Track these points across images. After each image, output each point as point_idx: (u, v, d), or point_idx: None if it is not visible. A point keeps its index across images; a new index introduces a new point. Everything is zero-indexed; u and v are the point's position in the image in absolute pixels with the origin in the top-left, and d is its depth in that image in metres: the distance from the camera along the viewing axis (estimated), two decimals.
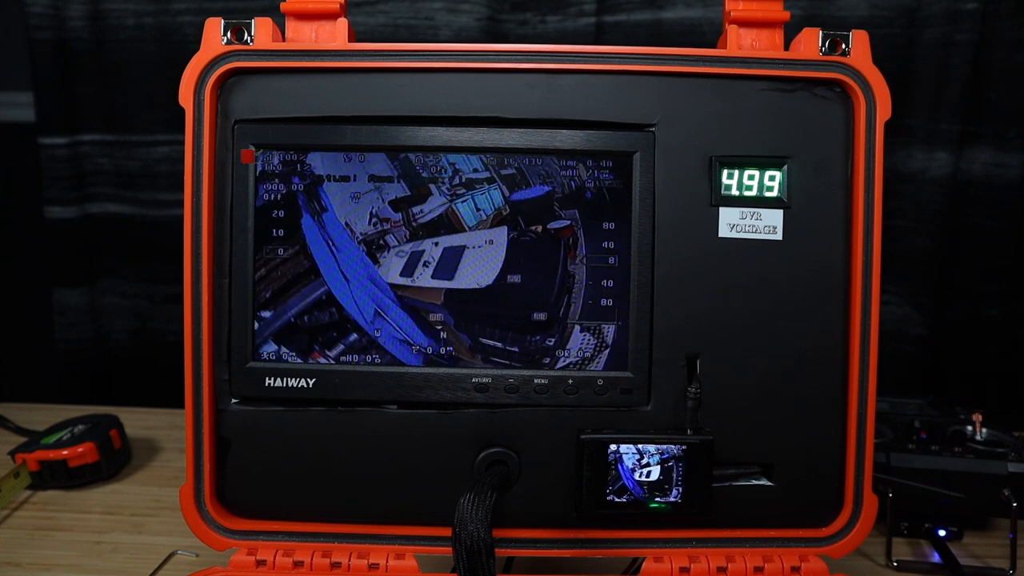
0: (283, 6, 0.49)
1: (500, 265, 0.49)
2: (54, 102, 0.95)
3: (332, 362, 0.49)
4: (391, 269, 0.49)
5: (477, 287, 0.49)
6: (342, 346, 0.49)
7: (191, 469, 0.49)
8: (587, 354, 0.49)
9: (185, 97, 0.48)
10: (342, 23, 0.49)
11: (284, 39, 0.50)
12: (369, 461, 0.50)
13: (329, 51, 0.49)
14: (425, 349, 0.49)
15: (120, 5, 0.92)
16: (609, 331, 0.49)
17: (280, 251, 0.49)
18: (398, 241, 0.49)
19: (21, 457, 0.70)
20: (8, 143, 1.33)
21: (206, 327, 0.49)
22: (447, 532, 0.45)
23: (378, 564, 0.49)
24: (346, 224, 0.49)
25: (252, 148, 0.49)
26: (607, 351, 0.49)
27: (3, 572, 0.58)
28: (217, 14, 0.49)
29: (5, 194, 1.34)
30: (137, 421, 0.82)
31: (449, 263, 0.49)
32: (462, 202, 0.49)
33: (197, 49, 0.48)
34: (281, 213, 0.49)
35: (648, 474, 0.48)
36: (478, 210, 0.49)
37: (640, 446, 0.48)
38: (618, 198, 0.49)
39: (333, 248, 0.49)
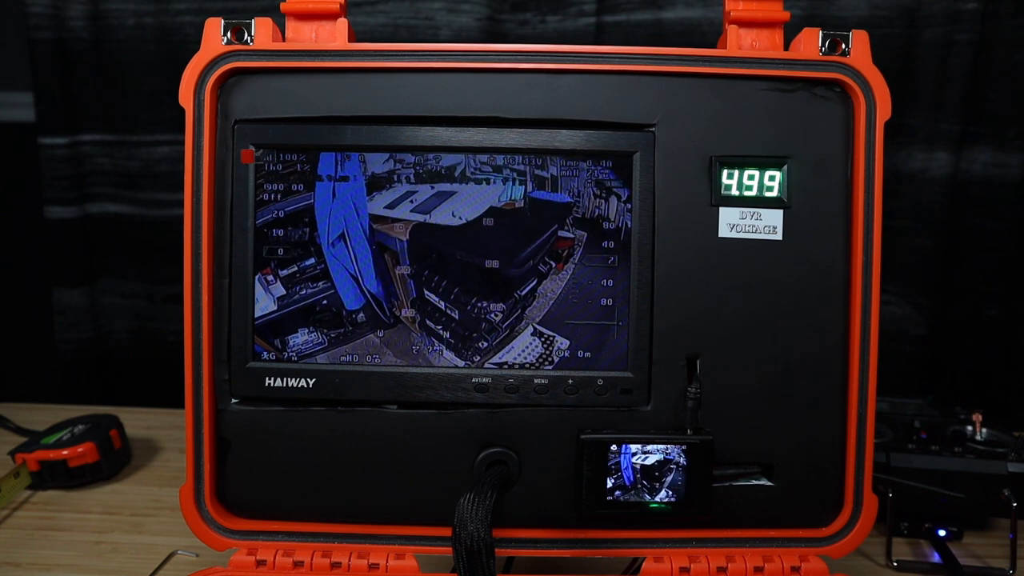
0: (283, 6, 0.49)
1: (482, 211, 0.49)
2: (54, 102, 0.95)
3: (278, 283, 0.49)
4: (379, 202, 0.49)
5: (446, 224, 0.49)
6: (295, 268, 0.49)
7: (191, 469, 0.49)
8: (528, 360, 0.49)
9: (185, 97, 0.48)
10: (342, 23, 0.49)
11: (284, 39, 0.50)
12: (369, 461, 0.50)
13: (329, 51, 0.49)
14: (369, 292, 0.49)
15: (120, 5, 0.92)
16: (560, 347, 0.49)
17: (289, 159, 0.49)
18: (400, 184, 0.49)
19: (21, 457, 0.70)
20: (8, 143, 1.33)
21: (206, 327, 0.49)
22: (447, 532, 0.45)
23: (378, 564, 0.49)
24: (363, 159, 0.49)
25: (252, 148, 0.49)
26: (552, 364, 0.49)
27: (3, 572, 0.58)
28: (217, 14, 0.49)
29: (5, 194, 1.34)
30: (137, 421, 0.82)
31: (433, 202, 0.49)
32: (482, 177, 0.49)
33: (197, 49, 0.48)
34: (281, 213, 0.49)
35: (646, 459, 0.48)
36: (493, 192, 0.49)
37: (641, 446, 0.48)
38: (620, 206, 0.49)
39: (339, 168, 0.49)
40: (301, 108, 0.49)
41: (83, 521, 0.66)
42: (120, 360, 1.03)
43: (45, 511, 0.67)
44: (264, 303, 0.49)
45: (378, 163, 0.49)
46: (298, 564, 0.49)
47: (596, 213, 0.49)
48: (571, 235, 0.49)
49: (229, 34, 0.49)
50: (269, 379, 0.49)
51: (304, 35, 0.50)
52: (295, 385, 0.49)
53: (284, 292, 0.49)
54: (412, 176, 0.49)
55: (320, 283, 0.49)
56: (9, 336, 1.36)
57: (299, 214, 0.49)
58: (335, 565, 0.49)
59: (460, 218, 0.49)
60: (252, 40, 0.49)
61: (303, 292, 0.49)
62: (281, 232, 0.49)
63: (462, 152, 0.49)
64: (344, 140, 0.49)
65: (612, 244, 0.49)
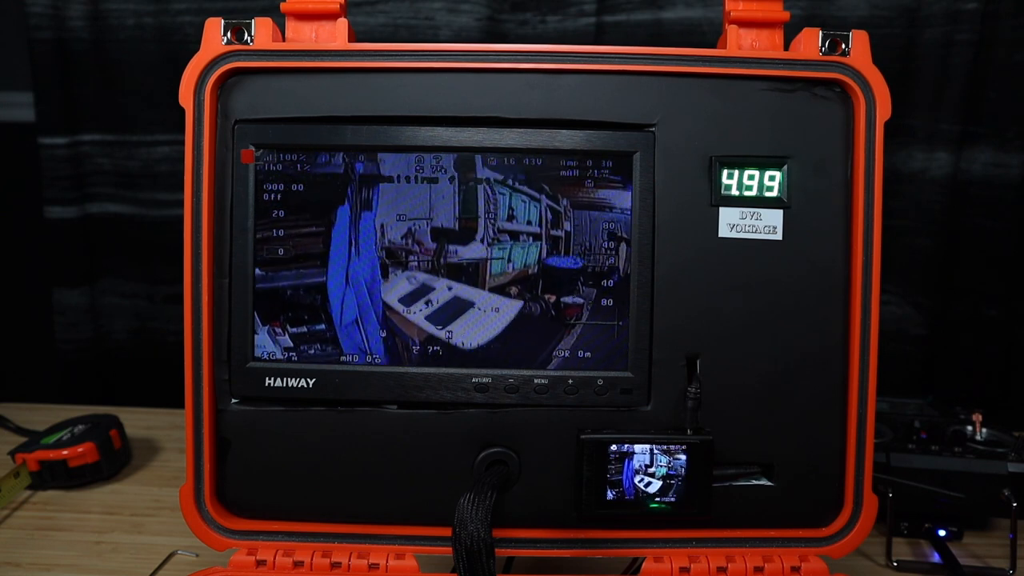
0: (283, 6, 0.49)
1: (493, 336, 0.49)
2: (54, 102, 0.95)
3: (287, 336, 0.49)
4: (394, 290, 0.49)
5: (460, 346, 0.49)
6: (305, 328, 0.49)
7: (191, 469, 0.49)
8: None
9: (185, 97, 0.48)
10: (342, 23, 0.49)
11: (284, 39, 0.50)
12: (369, 461, 0.50)
13: (329, 51, 0.49)
14: (379, 363, 0.50)
15: (120, 5, 0.92)
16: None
17: (302, 224, 0.49)
18: (418, 266, 0.49)
19: (21, 457, 0.70)
20: (8, 143, 1.33)
21: (206, 327, 0.49)
22: (447, 532, 0.45)
23: (378, 564, 0.49)
24: (380, 226, 0.49)
25: (252, 148, 0.49)
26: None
27: (3, 572, 0.58)
28: (217, 14, 0.49)
29: (5, 194, 1.34)
30: (137, 421, 0.82)
31: (449, 312, 0.49)
32: (499, 250, 0.49)
33: (197, 49, 0.48)
34: (281, 213, 0.49)
35: (648, 484, 0.48)
36: (509, 262, 0.49)
37: (643, 451, 0.48)
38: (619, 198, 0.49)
39: (353, 249, 0.49)
40: (301, 108, 0.49)
41: (83, 521, 0.66)
42: (120, 360, 1.03)
43: (45, 511, 0.67)
44: (270, 348, 0.50)
45: (396, 232, 0.49)
46: (298, 564, 0.49)
47: (605, 267, 0.49)
48: (580, 300, 0.49)
49: (229, 34, 0.49)
50: (269, 379, 0.49)
51: (304, 35, 0.50)
52: (295, 385, 0.49)
53: (292, 345, 0.50)
54: (428, 263, 0.49)
55: (329, 347, 0.50)
56: (9, 336, 1.36)
57: (312, 287, 0.49)
58: (335, 565, 0.49)
59: (475, 342, 0.49)
60: (252, 40, 0.49)
61: (311, 352, 0.50)
62: (291, 293, 0.49)
63: (462, 152, 0.49)
64: (344, 140, 0.49)
65: (612, 246, 0.49)
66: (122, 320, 1.01)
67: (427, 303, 0.49)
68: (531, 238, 0.49)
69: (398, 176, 0.49)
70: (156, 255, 0.98)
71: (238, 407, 0.50)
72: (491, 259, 0.49)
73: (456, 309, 0.49)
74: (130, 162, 0.96)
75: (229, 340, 0.49)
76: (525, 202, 0.49)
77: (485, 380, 0.49)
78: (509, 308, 0.49)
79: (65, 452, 0.69)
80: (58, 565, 0.59)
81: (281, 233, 0.49)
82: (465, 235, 0.49)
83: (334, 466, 0.50)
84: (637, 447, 0.48)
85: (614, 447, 0.48)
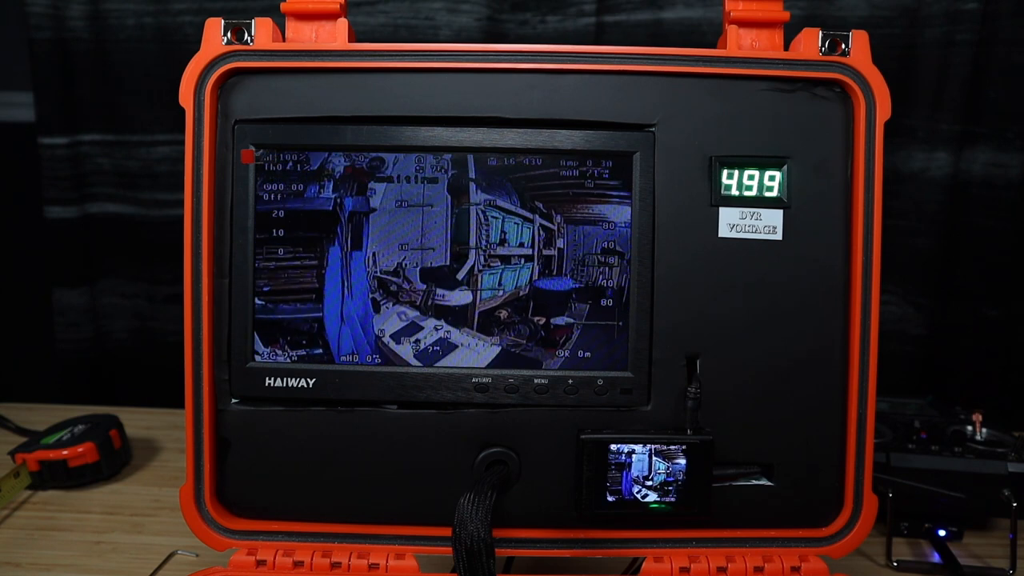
0: (283, 6, 0.49)
1: (485, 364, 0.50)
2: (54, 102, 0.95)
3: (288, 360, 0.49)
4: (386, 324, 0.49)
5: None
6: (304, 351, 0.50)
7: (191, 469, 0.50)
8: None
9: (185, 97, 0.48)
10: (342, 23, 0.49)
11: (284, 39, 0.50)
12: (369, 461, 0.50)
13: (329, 51, 0.49)
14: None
15: (120, 5, 0.92)
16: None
17: (296, 257, 0.49)
18: (409, 302, 0.49)
19: (21, 457, 0.70)
20: (8, 143, 1.33)
21: (206, 327, 0.49)
22: (447, 532, 0.45)
23: (378, 564, 0.49)
24: (372, 255, 0.49)
25: (252, 148, 0.49)
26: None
27: (3, 572, 0.58)
28: (217, 14, 0.50)
29: (5, 194, 1.34)
30: (137, 421, 0.82)
31: (435, 352, 0.49)
32: (490, 274, 0.49)
33: (197, 49, 0.49)
34: (281, 213, 0.49)
35: (646, 495, 0.48)
36: (499, 286, 0.49)
37: (641, 462, 0.48)
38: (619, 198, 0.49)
39: (346, 290, 0.49)
40: (301, 108, 0.49)
41: (83, 521, 0.66)
42: (120, 360, 1.03)
43: (45, 511, 0.67)
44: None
45: (388, 262, 0.49)
46: (298, 564, 0.49)
47: (600, 282, 0.49)
48: (571, 320, 0.49)
49: (229, 34, 0.49)
50: (269, 379, 0.49)
51: (304, 35, 0.50)
52: (295, 385, 0.49)
53: (290, 363, 0.50)
54: (417, 303, 0.49)
55: (327, 366, 0.50)
56: (9, 336, 1.36)
57: (309, 319, 0.49)
58: (335, 565, 0.49)
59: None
60: (252, 40, 0.49)
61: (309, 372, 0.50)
62: (288, 320, 0.49)
63: (462, 152, 0.49)
64: (344, 140, 0.49)
65: (613, 244, 0.49)
66: (122, 320, 1.01)
67: (415, 342, 0.49)
68: (523, 259, 0.49)
69: (383, 208, 0.49)
70: (156, 255, 0.98)
71: (238, 407, 0.50)
72: (480, 289, 0.49)
73: (441, 350, 0.49)
74: (130, 162, 0.96)
75: (229, 340, 0.49)
76: (518, 224, 0.49)
77: (485, 380, 0.49)
78: (492, 350, 0.49)
79: (65, 452, 0.69)
80: (58, 565, 0.59)
81: (282, 233, 0.49)
82: (456, 261, 0.49)
83: (334, 466, 0.50)
84: (634, 457, 0.48)
85: (613, 449, 0.48)
